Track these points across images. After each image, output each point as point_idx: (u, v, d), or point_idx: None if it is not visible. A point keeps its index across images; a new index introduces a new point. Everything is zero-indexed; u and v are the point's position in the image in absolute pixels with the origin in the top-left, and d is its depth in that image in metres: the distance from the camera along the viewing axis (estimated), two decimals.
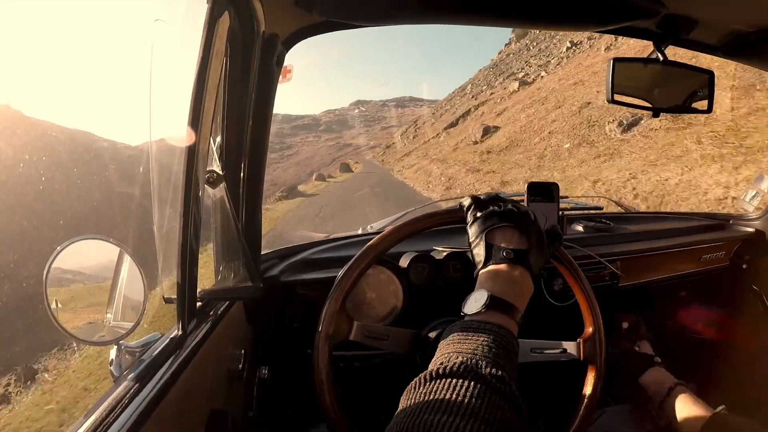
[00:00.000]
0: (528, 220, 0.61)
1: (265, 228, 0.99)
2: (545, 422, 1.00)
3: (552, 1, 0.74)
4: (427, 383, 0.41)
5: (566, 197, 1.46)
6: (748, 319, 1.34)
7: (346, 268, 0.71)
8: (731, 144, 6.11)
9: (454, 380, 0.40)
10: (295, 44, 0.87)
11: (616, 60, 0.85)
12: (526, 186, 1.03)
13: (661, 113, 0.93)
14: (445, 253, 1.02)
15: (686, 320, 1.35)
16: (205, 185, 0.74)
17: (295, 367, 0.94)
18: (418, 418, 0.37)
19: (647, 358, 0.90)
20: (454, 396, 0.39)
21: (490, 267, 0.58)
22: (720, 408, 0.66)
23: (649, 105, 0.91)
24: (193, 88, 0.60)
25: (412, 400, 0.40)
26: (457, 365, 0.42)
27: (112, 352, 0.62)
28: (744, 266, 1.34)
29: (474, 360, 0.43)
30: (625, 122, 9.00)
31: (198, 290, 0.70)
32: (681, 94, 0.93)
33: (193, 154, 0.60)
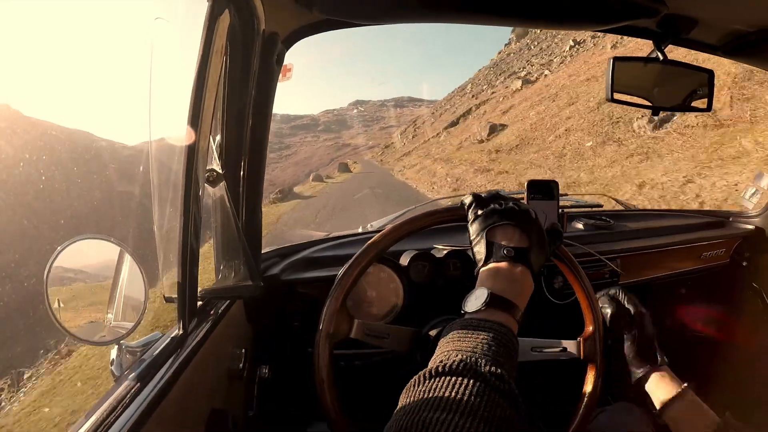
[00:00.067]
0: (529, 218, 0.61)
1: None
2: (544, 421, 1.00)
3: (552, 0, 0.74)
4: (427, 381, 0.41)
5: (566, 194, 1.46)
6: (748, 316, 1.34)
7: (346, 266, 0.71)
8: None
9: (454, 378, 0.40)
10: (295, 43, 0.87)
11: (616, 59, 0.85)
12: (526, 184, 1.03)
13: (660, 111, 0.93)
14: (445, 252, 1.02)
15: (686, 318, 1.35)
16: (205, 184, 0.74)
17: (296, 366, 0.94)
18: (417, 416, 0.37)
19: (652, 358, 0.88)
20: (453, 394, 0.39)
21: (491, 265, 0.57)
22: (726, 415, 0.65)
23: (649, 104, 0.92)
24: (193, 86, 0.60)
25: (411, 398, 0.40)
26: (456, 363, 0.42)
27: (113, 352, 0.62)
28: (744, 264, 1.34)
29: (473, 358, 0.43)
30: (656, 118, 7.93)
31: (198, 289, 0.70)
32: (681, 93, 0.93)
33: (193, 152, 0.60)
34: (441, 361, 0.43)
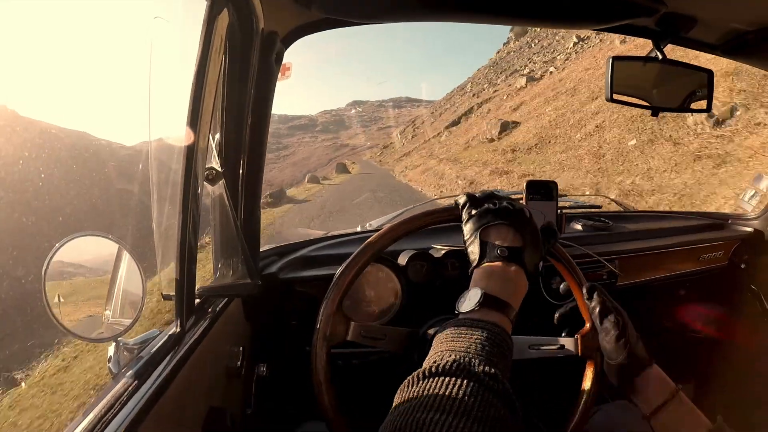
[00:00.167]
0: (523, 218, 0.61)
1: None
2: (543, 419, 1.00)
3: None
4: (420, 382, 0.41)
5: (565, 195, 1.46)
6: (746, 318, 1.34)
7: (343, 266, 0.71)
8: None
9: (447, 378, 0.40)
10: (293, 42, 0.87)
11: (615, 58, 0.85)
12: (524, 184, 1.03)
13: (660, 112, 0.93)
14: (443, 251, 1.02)
15: (684, 319, 1.35)
16: (204, 182, 0.74)
17: (294, 365, 0.94)
18: (410, 417, 0.37)
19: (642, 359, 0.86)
20: (446, 394, 0.39)
21: (485, 265, 0.57)
22: (718, 419, 0.64)
23: (648, 104, 0.92)
24: (192, 85, 0.60)
25: (405, 399, 0.40)
26: (449, 363, 0.42)
27: (111, 349, 0.62)
28: (742, 266, 1.34)
29: (467, 358, 0.43)
30: (715, 113, 6.41)
31: (196, 287, 0.70)
32: (680, 93, 0.93)
33: (192, 151, 0.60)
34: (434, 362, 0.43)
